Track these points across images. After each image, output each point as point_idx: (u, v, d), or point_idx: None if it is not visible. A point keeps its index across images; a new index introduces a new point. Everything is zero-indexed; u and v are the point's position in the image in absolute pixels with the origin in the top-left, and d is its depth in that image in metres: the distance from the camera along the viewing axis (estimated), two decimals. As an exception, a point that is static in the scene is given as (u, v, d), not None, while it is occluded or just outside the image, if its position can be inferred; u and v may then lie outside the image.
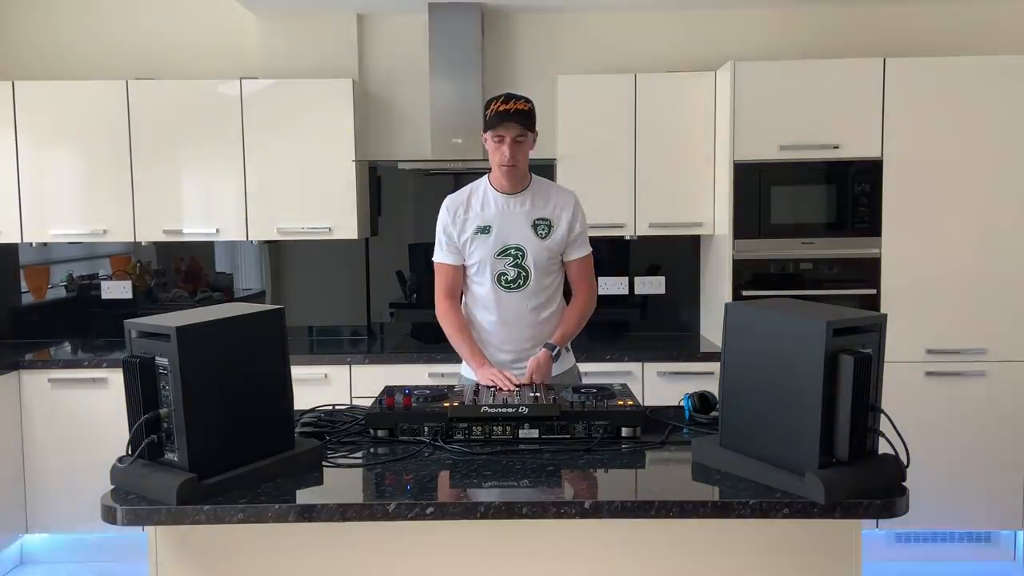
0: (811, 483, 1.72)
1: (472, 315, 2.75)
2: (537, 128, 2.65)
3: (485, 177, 2.73)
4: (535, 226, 2.67)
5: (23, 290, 4.31)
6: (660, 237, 3.97)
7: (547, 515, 1.77)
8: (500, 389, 2.38)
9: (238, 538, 1.89)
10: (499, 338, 2.71)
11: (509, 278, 2.67)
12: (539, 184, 2.74)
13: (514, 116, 2.54)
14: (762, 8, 4.10)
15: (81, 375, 3.69)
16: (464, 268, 2.72)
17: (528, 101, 2.61)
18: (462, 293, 2.79)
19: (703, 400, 2.36)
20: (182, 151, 3.88)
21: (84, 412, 3.68)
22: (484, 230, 2.66)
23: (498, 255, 2.66)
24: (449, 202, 2.72)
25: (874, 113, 3.55)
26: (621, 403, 2.23)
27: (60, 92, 3.86)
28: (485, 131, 2.60)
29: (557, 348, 2.66)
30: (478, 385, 2.46)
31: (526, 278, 2.67)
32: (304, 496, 1.84)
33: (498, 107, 2.55)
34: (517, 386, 2.41)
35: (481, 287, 2.70)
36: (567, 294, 2.82)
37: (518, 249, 2.66)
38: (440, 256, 2.72)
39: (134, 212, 3.88)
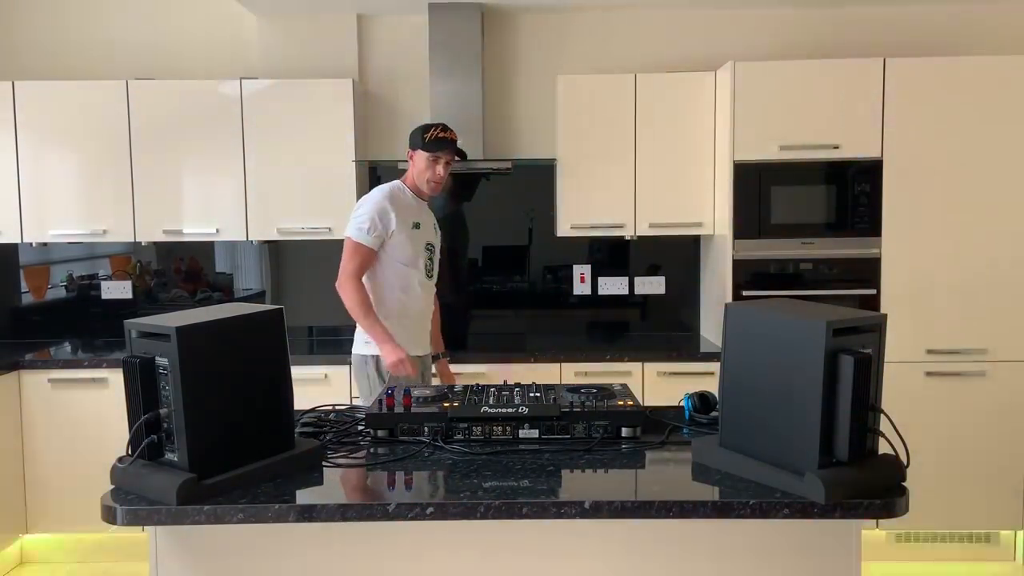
0: (811, 483, 1.72)
1: (395, 301, 3.11)
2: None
3: (398, 182, 3.16)
4: (435, 228, 3.28)
5: (23, 290, 4.31)
6: (660, 237, 3.98)
7: (547, 515, 1.77)
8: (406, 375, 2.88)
9: (238, 538, 1.89)
10: (422, 322, 3.20)
11: (430, 268, 3.21)
12: None
13: (451, 144, 3.08)
14: (762, 8, 4.10)
15: (81, 375, 3.70)
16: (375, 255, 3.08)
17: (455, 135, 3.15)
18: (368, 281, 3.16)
19: (703, 400, 2.36)
20: (182, 151, 3.88)
21: (84, 412, 3.68)
22: (416, 226, 3.12)
23: (424, 248, 3.16)
24: (389, 192, 3.09)
25: (874, 113, 3.56)
26: (621, 403, 2.23)
27: (60, 92, 3.86)
28: (424, 150, 3.06)
29: (447, 352, 3.46)
30: (478, 385, 2.46)
31: (434, 269, 3.25)
32: (304, 496, 1.84)
33: (438, 134, 3.06)
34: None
35: (411, 277, 3.12)
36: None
37: (432, 245, 3.22)
38: (365, 239, 3.02)
39: (134, 212, 3.88)
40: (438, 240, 3.28)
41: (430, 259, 3.20)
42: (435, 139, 3.05)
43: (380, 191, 3.11)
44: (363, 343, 3.14)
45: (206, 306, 2.06)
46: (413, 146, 3.10)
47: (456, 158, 3.15)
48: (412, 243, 3.10)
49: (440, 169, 3.09)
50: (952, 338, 3.60)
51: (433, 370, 3.34)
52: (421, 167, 3.10)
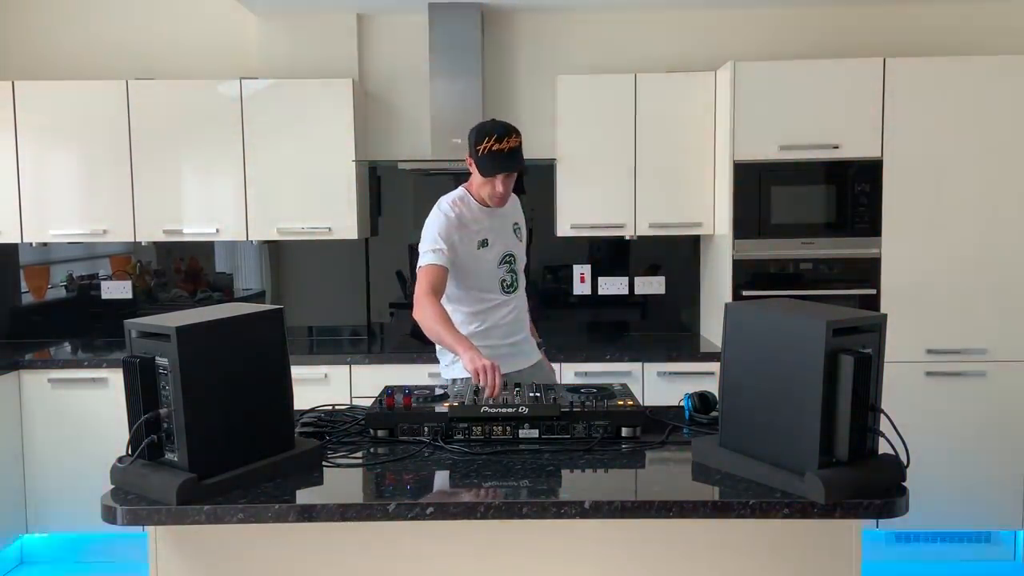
0: (811, 483, 1.72)
1: (475, 323, 2.75)
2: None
3: (463, 189, 2.76)
4: (515, 231, 2.85)
5: (23, 290, 4.31)
6: (660, 237, 3.98)
7: (547, 515, 1.77)
8: (486, 387, 2.30)
9: (238, 538, 1.89)
10: (504, 332, 2.79)
11: (508, 283, 2.80)
12: None
13: (508, 160, 2.60)
14: (762, 8, 4.10)
15: (81, 375, 3.69)
16: (447, 274, 2.68)
17: (518, 134, 2.64)
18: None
19: (703, 400, 2.36)
20: (182, 151, 3.88)
21: (84, 412, 3.68)
22: (484, 243, 2.72)
23: (499, 264, 2.76)
24: (450, 210, 2.69)
25: (874, 113, 3.55)
26: (621, 403, 2.23)
27: (60, 92, 3.86)
28: (476, 165, 2.63)
29: (541, 342, 3.04)
30: (478, 385, 2.45)
31: (518, 281, 2.84)
32: (304, 496, 1.84)
33: (491, 147, 2.58)
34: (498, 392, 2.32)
35: (487, 294, 2.76)
36: None
37: (511, 255, 2.80)
38: (435, 259, 2.63)
39: (134, 212, 3.88)
40: (520, 245, 2.86)
41: (509, 271, 2.80)
42: (487, 156, 2.60)
43: (437, 213, 2.71)
44: (443, 367, 2.84)
45: (206, 306, 2.06)
46: (470, 153, 2.66)
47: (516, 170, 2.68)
48: (483, 263, 2.73)
49: (499, 186, 2.65)
50: (952, 338, 3.60)
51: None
52: (479, 180, 2.68)
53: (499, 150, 2.58)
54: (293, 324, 4.15)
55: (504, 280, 2.79)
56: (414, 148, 4.14)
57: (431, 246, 2.64)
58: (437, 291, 2.64)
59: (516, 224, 2.87)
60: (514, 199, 2.87)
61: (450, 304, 2.73)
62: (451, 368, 2.77)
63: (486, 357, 2.35)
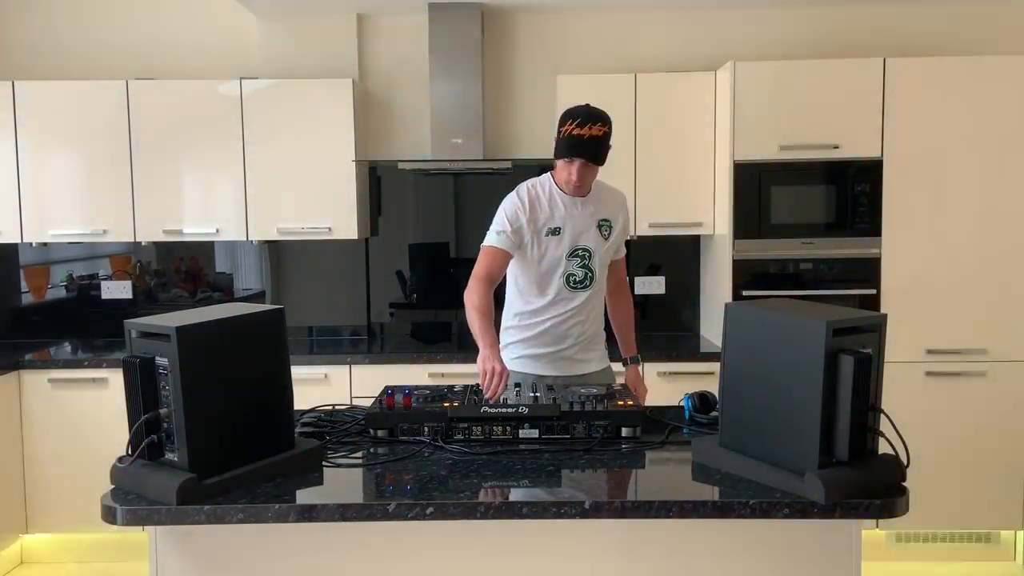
0: (811, 483, 1.72)
1: (527, 315, 2.72)
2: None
3: (548, 175, 2.69)
4: (600, 227, 2.70)
5: (23, 290, 4.31)
6: (660, 237, 3.98)
7: (547, 515, 1.77)
8: (486, 389, 2.30)
9: (238, 538, 1.89)
10: (560, 332, 2.70)
11: (577, 278, 2.69)
12: (598, 186, 2.72)
13: (586, 147, 2.51)
14: (762, 8, 4.10)
15: (81, 375, 3.69)
16: (509, 258, 2.67)
17: (605, 123, 2.53)
18: (505, 289, 2.77)
19: (703, 400, 2.36)
20: (182, 151, 3.88)
21: (84, 412, 3.68)
22: (555, 231, 2.64)
23: (569, 256, 2.67)
24: (525, 194, 2.64)
25: (874, 113, 3.55)
26: (621, 403, 2.23)
27: (60, 92, 3.86)
28: (555, 147, 2.58)
29: (638, 357, 2.96)
30: (478, 385, 2.45)
31: (592, 278, 2.70)
32: (304, 496, 1.84)
33: (571, 130, 2.50)
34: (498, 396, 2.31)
35: (549, 286, 2.69)
36: None
37: (586, 250, 2.68)
38: (498, 241, 2.61)
39: (134, 212, 3.88)
40: (603, 243, 2.70)
41: (583, 266, 2.68)
42: (565, 138, 2.52)
43: (518, 189, 2.68)
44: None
45: (206, 306, 2.06)
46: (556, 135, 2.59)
47: (599, 164, 2.59)
48: (552, 252, 2.65)
49: (574, 173, 2.55)
50: (952, 338, 3.60)
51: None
52: (559, 165, 2.62)
53: (579, 135, 2.49)
54: (293, 324, 4.14)
55: (573, 275, 2.67)
56: (414, 148, 4.14)
57: (497, 227, 2.63)
58: (492, 276, 2.63)
59: (605, 220, 2.71)
60: (615, 195, 2.78)
61: (515, 284, 2.73)
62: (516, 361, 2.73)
63: (503, 362, 2.37)
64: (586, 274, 2.69)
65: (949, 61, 3.58)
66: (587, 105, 2.58)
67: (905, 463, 1.82)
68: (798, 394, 1.76)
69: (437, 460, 2.05)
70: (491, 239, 2.63)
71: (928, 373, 3.60)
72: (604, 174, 3.82)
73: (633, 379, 2.88)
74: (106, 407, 3.60)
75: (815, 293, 3.57)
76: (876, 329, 1.81)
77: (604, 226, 2.71)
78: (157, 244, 4.16)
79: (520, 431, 2.15)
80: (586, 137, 2.49)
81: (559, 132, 2.55)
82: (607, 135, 2.54)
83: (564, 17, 4.15)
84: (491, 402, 2.22)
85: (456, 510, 1.77)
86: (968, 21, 4.05)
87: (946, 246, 3.58)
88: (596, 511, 1.76)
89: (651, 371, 3.67)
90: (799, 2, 4.04)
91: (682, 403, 2.40)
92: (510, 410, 2.16)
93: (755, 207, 3.62)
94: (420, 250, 4.32)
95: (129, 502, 1.78)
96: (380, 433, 2.18)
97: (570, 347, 2.74)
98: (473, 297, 2.55)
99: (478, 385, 2.40)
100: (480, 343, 2.44)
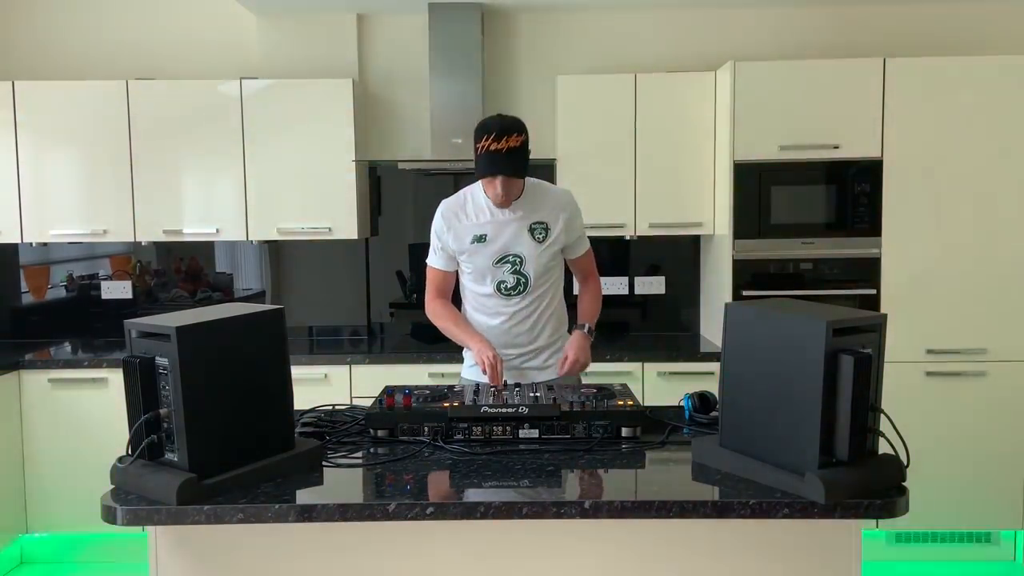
0: (811, 483, 1.72)
1: (473, 319, 2.72)
2: (531, 136, 2.55)
3: (479, 183, 2.61)
4: (532, 231, 2.62)
5: (23, 290, 4.31)
6: (660, 237, 3.98)
7: (547, 515, 1.77)
8: (492, 384, 2.40)
9: (238, 538, 1.89)
10: (502, 341, 2.66)
11: (509, 285, 2.64)
12: (532, 188, 2.65)
13: (504, 162, 2.45)
14: (762, 8, 4.10)
15: (81, 375, 3.69)
16: (456, 274, 2.72)
17: (520, 132, 2.48)
18: (457, 295, 2.79)
19: (703, 400, 2.35)
20: (182, 151, 3.88)
21: (84, 412, 3.68)
22: (480, 239, 2.60)
23: (496, 263, 2.62)
24: (444, 208, 2.65)
25: (874, 113, 3.55)
26: (621, 403, 2.23)
27: (60, 92, 3.86)
28: (475, 164, 2.51)
29: (587, 325, 2.73)
30: (478, 385, 2.46)
31: (526, 284, 2.64)
32: (304, 496, 1.84)
33: (487, 145, 2.44)
34: (503, 385, 2.41)
35: (481, 294, 2.67)
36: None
37: (516, 256, 2.62)
38: (433, 261, 2.71)
39: (134, 212, 3.88)
40: (535, 244, 2.61)
41: (515, 272, 2.61)
42: (483, 155, 2.46)
43: (441, 204, 2.67)
44: (465, 369, 2.79)
45: (206, 306, 2.06)
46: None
47: (521, 177, 2.55)
48: (478, 259, 2.62)
49: (499, 188, 2.49)
50: (952, 338, 3.60)
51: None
52: (483, 182, 2.56)
53: (497, 150, 2.43)
54: (293, 324, 4.14)
55: (504, 282, 2.62)
56: (414, 148, 4.14)
57: (432, 246, 2.70)
58: (442, 292, 2.70)
59: (539, 223, 2.62)
60: (555, 195, 2.69)
61: (464, 297, 2.75)
62: (471, 370, 2.71)
63: (494, 348, 2.48)
64: (518, 280, 2.63)
65: (949, 61, 3.58)
66: (499, 116, 2.54)
67: (905, 463, 1.82)
68: (798, 394, 1.76)
69: (437, 460, 2.05)
70: (430, 259, 2.72)
71: (928, 373, 3.60)
72: (605, 172, 3.86)
73: (574, 342, 2.67)
74: (106, 407, 3.60)
75: (815, 293, 3.57)
76: (876, 329, 1.81)
77: (538, 229, 2.62)
78: (157, 244, 4.16)
79: (520, 431, 2.15)
80: (504, 151, 2.44)
81: (475, 148, 2.48)
82: (524, 144, 2.49)
83: (564, 17, 4.15)
84: (497, 388, 2.29)
85: (456, 510, 1.77)
86: (968, 21, 4.05)
87: (946, 246, 3.58)
88: (596, 511, 1.76)
89: (651, 371, 3.67)
90: (799, 2, 4.04)
91: (682, 403, 2.40)
92: (510, 410, 2.16)
93: (755, 207, 3.62)
94: (420, 250, 4.28)
95: (129, 502, 1.78)
96: (380, 433, 2.18)
97: (517, 357, 2.68)
98: (435, 311, 2.68)
99: (478, 385, 2.41)
100: (468, 342, 2.56)
